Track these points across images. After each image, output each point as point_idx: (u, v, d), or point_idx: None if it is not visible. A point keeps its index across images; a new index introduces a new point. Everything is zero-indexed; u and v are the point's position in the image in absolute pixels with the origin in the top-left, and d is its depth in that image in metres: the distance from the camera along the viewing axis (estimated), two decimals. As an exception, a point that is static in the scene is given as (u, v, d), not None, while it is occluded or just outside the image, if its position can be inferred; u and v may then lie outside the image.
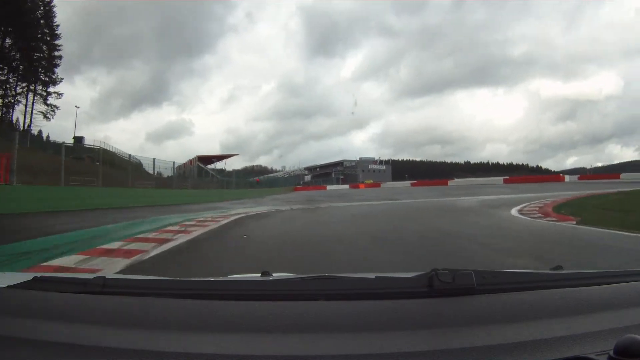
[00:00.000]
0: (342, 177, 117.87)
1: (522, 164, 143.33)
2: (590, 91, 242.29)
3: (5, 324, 1.08)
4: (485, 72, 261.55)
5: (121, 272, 5.66)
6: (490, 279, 1.29)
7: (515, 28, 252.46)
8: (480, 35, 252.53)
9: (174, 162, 34.38)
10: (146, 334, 1.03)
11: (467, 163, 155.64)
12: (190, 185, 37.30)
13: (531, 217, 13.85)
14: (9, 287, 1.30)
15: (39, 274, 1.35)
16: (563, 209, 15.45)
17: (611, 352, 0.90)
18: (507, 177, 71.62)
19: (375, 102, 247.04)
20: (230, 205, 26.88)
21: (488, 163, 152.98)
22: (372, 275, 1.32)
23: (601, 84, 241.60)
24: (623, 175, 60.50)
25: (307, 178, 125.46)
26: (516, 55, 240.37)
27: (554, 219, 12.96)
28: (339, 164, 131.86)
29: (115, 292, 1.25)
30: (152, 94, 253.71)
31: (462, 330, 1.07)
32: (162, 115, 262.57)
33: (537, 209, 16.91)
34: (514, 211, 16.37)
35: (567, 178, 66.98)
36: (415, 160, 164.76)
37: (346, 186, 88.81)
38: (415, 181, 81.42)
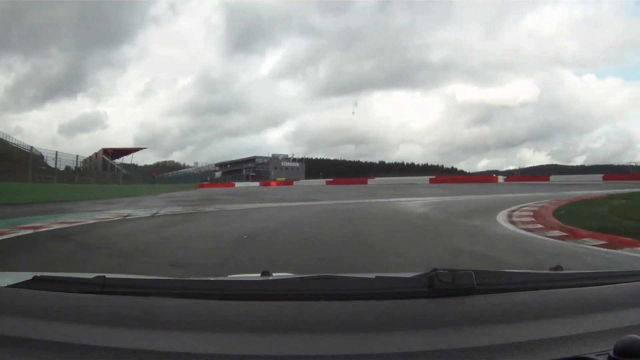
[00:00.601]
0: (254, 174, 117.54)
1: (437, 165, 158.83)
2: (506, 97, 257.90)
3: (5, 323, 1.16)
4: (404, 75, 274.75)
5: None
6: (490, 279, 1.38)
7: (436, 33, 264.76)
8: (401, 39, 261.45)
9: (31, 147, 33.53)
10: (146, 334, 1.13)
11: (382, 163, 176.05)
12: (57, 179, 33.53)
13: (553, 238, 9.74)
14: (9, 286, 1.38)
15: (39, 274, 1.43)
16: (584, 222, 11.14)
17: (611, 352, 0.97)
18: (433, 177, 73.56)
19: (292, 101, 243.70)
20: (85, 205, 22.96)
21: (403, 163, 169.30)
22: (372, 275, 1.41)
23: (517, 90, 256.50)
24: (552, 178, 65.07)
25: (218, 174, 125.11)
26: (435, 59, 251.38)
27: (602, 241, 8.76)
28: (251, 160, 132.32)
29: (115, 292, 1.33)
30: (67, 84, 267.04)
31: (462, 330, 1.17)
32: (76, 107, 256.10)
33: (533, 219, 13.31)
34: (504, 223, 12.48)
35: (499, 179, 68.99)
36: (329, 159, 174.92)
37: (256, 183, 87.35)
38: (331, 179, 79.16)
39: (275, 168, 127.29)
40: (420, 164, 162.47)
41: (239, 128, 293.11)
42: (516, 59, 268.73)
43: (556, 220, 12.32)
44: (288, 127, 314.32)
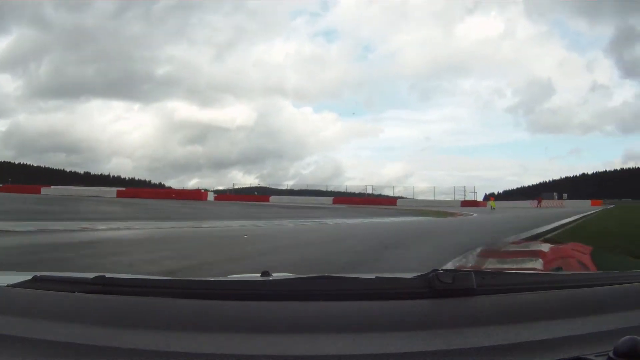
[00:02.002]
0: None
1: (145, 180, 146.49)
2: (224, 119, 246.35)
3: (5, 323, 1.15)
4: (126, 85, 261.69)
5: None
6: (490, 279, 1.38)
7: (166, 49, 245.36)
8: (130, 48, 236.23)
9: None
10: (146, 334, 1.11)
11: (87, 173, 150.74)
12: None
13: None
14: (9, 286, 1.37)
15: (38, 274, 1.42)
16: None
17: (610, 353, 0.96)
18: (122, 189, 62.64)
19: (6, 98, 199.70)
20: None
21: (109, 175, 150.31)
22: (372, 276, 1.40)
23: (236, 114, 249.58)
24: (272, 199, 66.50)
25: None
26: (160, 74, 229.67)
27: None
28: None
29: (115, 292, 1.31)
30: None
31: (462, 331, 1.15)
32: None
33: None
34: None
35: (209, 196, 62.80)
36: (33, 166, 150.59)
37: None
38: (1, 185, 66.61)
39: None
40: (127, 178, 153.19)
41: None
42: (240, 84, 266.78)
43: None
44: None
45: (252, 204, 53.39)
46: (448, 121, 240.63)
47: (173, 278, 1.51)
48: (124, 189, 62.69)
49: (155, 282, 1.46)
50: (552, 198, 70.30)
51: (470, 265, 8.05)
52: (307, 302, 1.26)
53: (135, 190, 63.18)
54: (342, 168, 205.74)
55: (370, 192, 71.93)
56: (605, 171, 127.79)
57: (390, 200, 62.39)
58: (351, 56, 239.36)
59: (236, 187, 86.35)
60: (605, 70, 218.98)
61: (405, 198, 68.85)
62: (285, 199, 64.17)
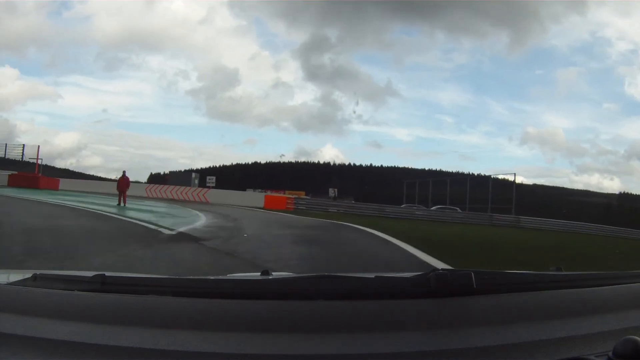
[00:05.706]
0: None
1: None
2: None
3: (5, 321, 1.15)
4: None
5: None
6: (490, 279, 1.38)
7: None
8: None
9: None
10: (145, 332, 1.11)
11: None
12: None
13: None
14: (8, 284, 1.38)
15: (38, 272, 1.42)
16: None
17: (610, 354, 0.97)
18: None
19: None
20: None
21: None
22: (371, 275, 1.40)
23: None
24: None
25: None
26: None
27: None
28: None
29: (114, 290, 1.32)
30: None
31: (461, 330, 1.16)
32: None
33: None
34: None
35: None
36: None
37: None
38: None
39: None
40: None
41: None
42: None
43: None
44: None
45: None
46: (129, 95, 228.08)
47: (173, 277, 1.51)
48: None
49: (155, 281, 1.46)
50: (192, 185, 43.94)
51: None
52: (306, 301, 1.26)
53: None
54: (15, 132, 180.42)
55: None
56: (279, 162, 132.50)
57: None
58: (46, 10, 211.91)
59: None
60: (292, 71, 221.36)
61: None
62: None
